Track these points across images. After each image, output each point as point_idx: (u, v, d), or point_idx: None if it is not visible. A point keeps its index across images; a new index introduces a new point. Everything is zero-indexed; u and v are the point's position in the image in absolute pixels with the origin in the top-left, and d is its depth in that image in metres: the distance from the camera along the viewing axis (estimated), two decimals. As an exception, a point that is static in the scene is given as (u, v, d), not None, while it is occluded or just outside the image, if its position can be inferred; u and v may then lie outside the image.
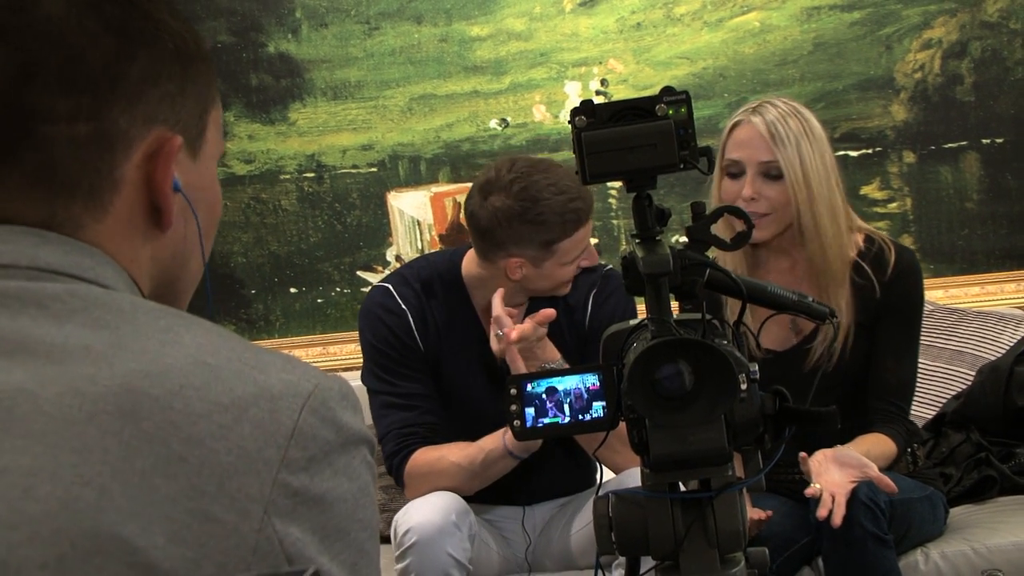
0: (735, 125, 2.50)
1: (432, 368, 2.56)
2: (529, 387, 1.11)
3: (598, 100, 3.71)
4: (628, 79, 3.68)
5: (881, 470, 2.39)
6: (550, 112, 3.67)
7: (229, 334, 0.80)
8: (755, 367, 1.03)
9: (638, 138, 1.10)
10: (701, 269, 1.13)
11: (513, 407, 1.11)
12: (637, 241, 1.13)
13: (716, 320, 1.15)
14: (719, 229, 2.23)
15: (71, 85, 0.82)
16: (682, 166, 1.12)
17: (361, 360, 2.61)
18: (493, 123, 3.68)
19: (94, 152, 0.83)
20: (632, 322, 1.17)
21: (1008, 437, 2.92)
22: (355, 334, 2.80)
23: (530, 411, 1.11)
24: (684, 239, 1.18)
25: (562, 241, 2.42)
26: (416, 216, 3.69)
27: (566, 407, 1.10)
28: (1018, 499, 2.82)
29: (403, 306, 2.56)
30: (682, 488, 1.12)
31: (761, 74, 3.63)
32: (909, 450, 2.57)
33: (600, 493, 1.13)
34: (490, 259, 2.49)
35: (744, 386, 1.01)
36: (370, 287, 2.85)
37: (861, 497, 2.29)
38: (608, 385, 1.09)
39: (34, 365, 0.72)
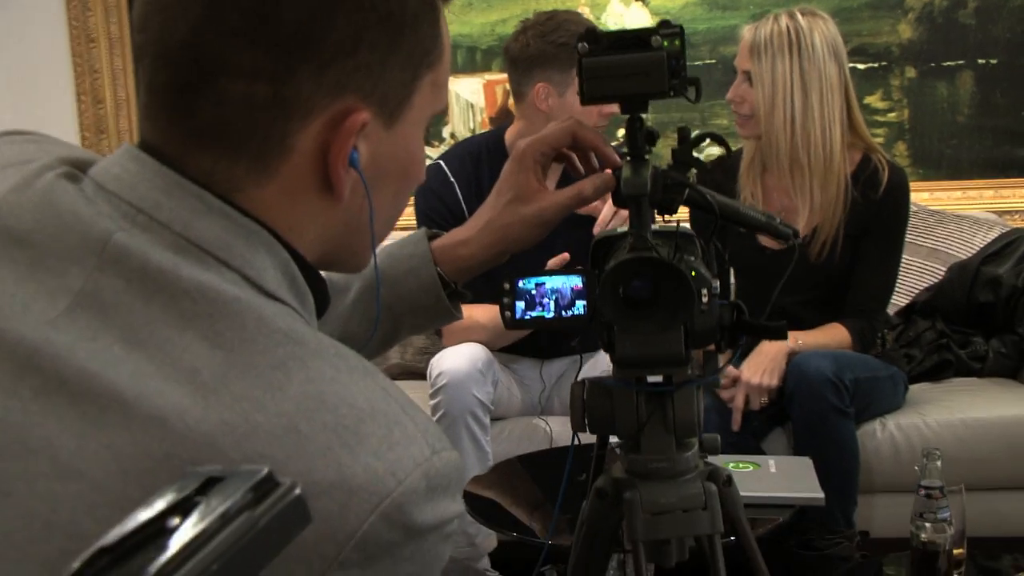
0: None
1: None
2: (521, 284, 1.08)
3: (637, 6, 3.52)
4: (665, -13, 3.52)
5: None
6: (593, 14, 3.53)
7: (347, 375, 0.63)
8: (716, 283, 0.99)
9: (632, 66, 1.03)
10: (681, 188, 1.07)
11: (506, 300, 1.08)
12: (627, 159, 1.07)
13: (692, 233, 1.10)
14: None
15: (257, 41, 0.65)
16: (672, 93, 1.05)
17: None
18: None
19: (269, 116, 0.67)
20: (619, 230, 1.13)
21: (968, 327, 2.86)
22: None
23: (520, 304, 1.08)
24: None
25: None
26: (470, 100, 3.60)
27: (551, 304, 1.07)
28: (969, 381, 2.78)
29: (451, 178, 2.54)
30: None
31: (784, -12, 3.45)
32: (879, 336, 2.53)
33: (579, 377, 1.10)
34: (523, 94, 2.48)
35: (705, 299, 0.97)
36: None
37: (828, 375, 2.26)
38: (590, 287, 1.06)
39: (143, 370, 0.61)
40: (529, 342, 2.51)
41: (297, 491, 0.45)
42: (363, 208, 0.74)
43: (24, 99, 3.45)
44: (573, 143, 1.10)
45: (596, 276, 1.04)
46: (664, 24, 1.06)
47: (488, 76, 3.58)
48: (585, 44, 1.05)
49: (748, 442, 2.38)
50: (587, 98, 1.05)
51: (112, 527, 0.59)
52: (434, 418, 2.36)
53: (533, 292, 1.07)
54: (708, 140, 1.11)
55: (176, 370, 0.61)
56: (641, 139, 1.08)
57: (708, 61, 3.46)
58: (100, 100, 3.48)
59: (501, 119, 3.52)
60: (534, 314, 1.07)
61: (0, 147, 0.78)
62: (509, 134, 2.57)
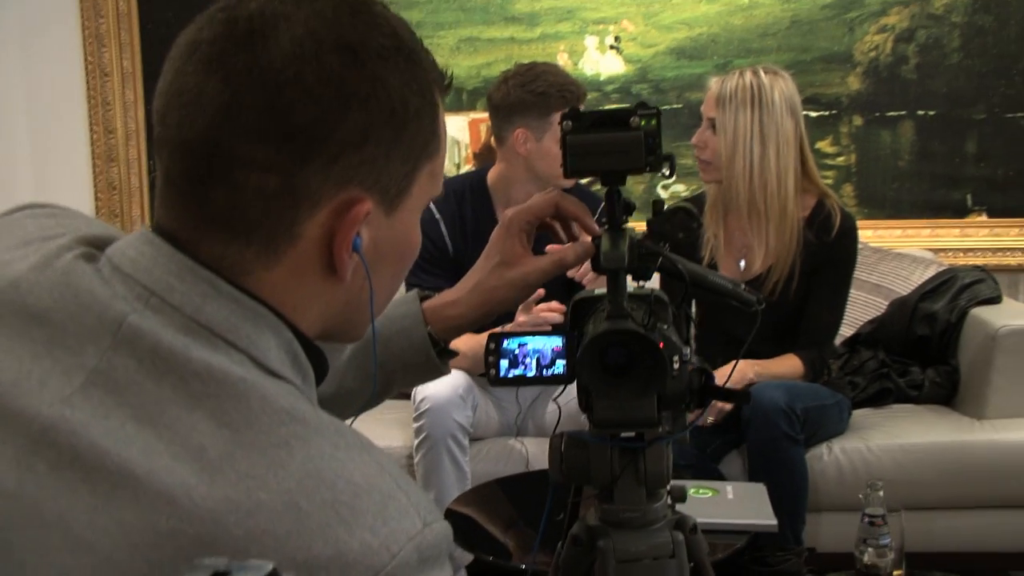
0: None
1: (457, 268, 2.52)
2: (505, 343, 1.06)
3: (611, 54, 3.49)
4: (637, 38, 3.51)
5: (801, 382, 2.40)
6: (571, 60, 3.52)
7: (344, 452, 0.61)
8: (688, 350, 0.98)
9: (612, 145, 1.02)
10: (655, 257, 1.06)
11: (490, 358, 1.06)
12: (605, 228, 1.06)
13: (665, 298, 1.08)
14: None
15: (270, 138, 0.64)
16: (648, 169, 1.04)
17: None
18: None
19: (279, 206, 0.65)
20: (597, 292, 1.11)
21: (907, 358, 2.86)
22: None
23: (504, 362, 1.06)
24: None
25: (557, 112, 2.36)
26: (456, 137, 3.58)
27: (533, 363, 1.05)
28: (907, 407, 2.78)
29: (437, 215, 2.52)
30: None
31: (745, 42, 3.45)
32: (825, 367, 2.53)
33: (557, 431, 1.09)
34: (504, 139, 2.46)
35: (676, 366, 0.96)
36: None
37: (781, 405, 2.25)
38: (570, 348, 1.04)
39: (153, 447, 0.59)
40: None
41: None
42: (363, 288, 0.72)
43: (42, 128, 3.40)
44: (556, 213, 1.09)
45: (575, 336, 1.02)
46: (641, 105, 1.05)
47: (473, 115, 3.56)
48: (569, 122, 1.04)
49: (707, 464, 2.37)
50: (570, 172, 1.04)
51: None
52: (417, 440, 2.33)
53: (516, 352, 1.06)
54: (679, 213, 1.10)
55: (184, 448, 0.59)
56: (619, 210, 1.06)
57: (675, 105, 3.46)
58: (111, 130, 3.43)
59: (484, 155, 3.50)
60: (517, 372, 1.05)
61: (22, 221, 0.76)
62: (491, 175, 2.55)
